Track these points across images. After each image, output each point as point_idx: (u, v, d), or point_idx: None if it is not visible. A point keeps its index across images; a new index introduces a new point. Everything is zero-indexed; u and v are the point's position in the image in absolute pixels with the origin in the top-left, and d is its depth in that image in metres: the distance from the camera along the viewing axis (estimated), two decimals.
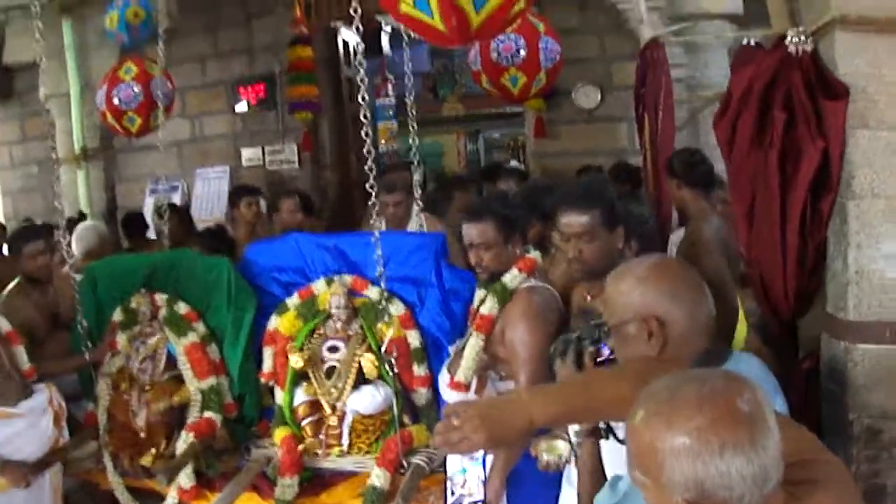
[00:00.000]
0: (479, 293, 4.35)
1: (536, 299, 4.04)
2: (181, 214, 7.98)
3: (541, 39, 6.84)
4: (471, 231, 4.19)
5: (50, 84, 8.56)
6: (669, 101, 6.55)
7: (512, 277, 4.11)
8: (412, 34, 5.18)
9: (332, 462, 4.66)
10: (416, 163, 5.59)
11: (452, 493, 2.27)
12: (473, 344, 4.12)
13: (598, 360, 2.68)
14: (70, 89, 8.54)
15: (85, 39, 8.91)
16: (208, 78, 10.81)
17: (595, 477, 2.64)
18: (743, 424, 1.68)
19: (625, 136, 9.20)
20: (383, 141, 15.18)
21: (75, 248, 6.21)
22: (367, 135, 4.57)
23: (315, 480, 4.65)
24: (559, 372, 2.86)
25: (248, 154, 10.78)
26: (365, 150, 4.58)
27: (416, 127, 5.48)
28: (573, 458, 3.33)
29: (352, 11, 4.20)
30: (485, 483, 2.22)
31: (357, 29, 4.34)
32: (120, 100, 7.34)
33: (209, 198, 10.42)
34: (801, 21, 3.30)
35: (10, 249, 5.83)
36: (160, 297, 5.25)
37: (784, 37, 3.20)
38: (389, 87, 15.72)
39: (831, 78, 3.11)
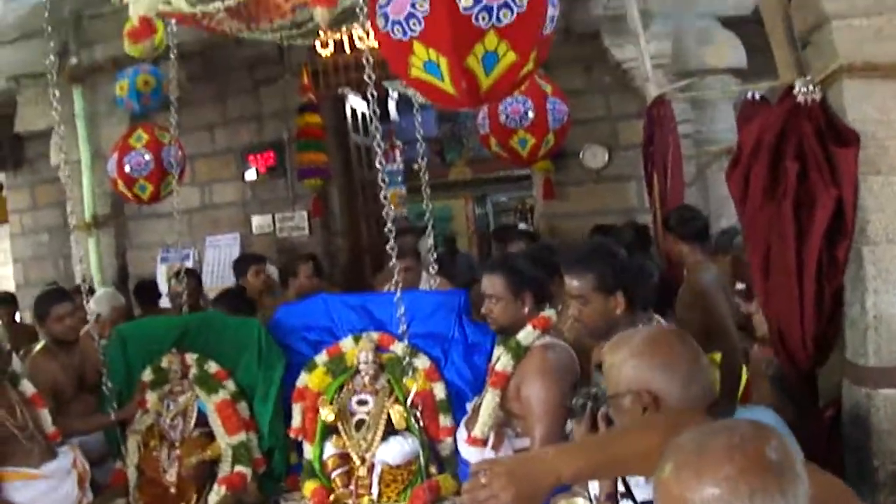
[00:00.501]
0: (497, 350, 4.37)
1: (551, 356, 4.05)
2: (197, 279, 7.97)
3: (548, 101, 6.89)
4: (484, 282, 4.28)
5: (61, 152, 8.68)
6: (678, 157, 6.57)
7: (526, 334, 4.13)
8: (421, 100, 5.26)
9: None
10: (429, 227, 5.62)
11: None
12: (489, 400, 4.12)
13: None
14: (81, 157, 8.58)
15: (95, 107, 8.98)
16: (217, 146, 10.88)
17: None
18: (772, 472, 1.67)
19: (634, 195, 9.20)
20: (392, 206, 15.24)
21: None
22: (385, 198, 4.63)
23: None
24: (574, 431, 2.84)
25: (259, 221, 10.80)
26: (384, 213, 4.65)
27: (429, 192, 5.55)
28: None
29: (366, 77, 4.25)
30: None
31: (371, 95, 4.39)
32: (131, 167, 7.38)
33: (220, 265, 10.43)
34: (807, 71, 3.31)
35: (36, 312, 5.84)
36: (190, 357, 5.39)
37: (792, 87, 3.21)
38: (397, 153, 15.84)
39: (841, 125, 3.11)
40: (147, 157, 7.36)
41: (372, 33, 9.01)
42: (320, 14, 3.72)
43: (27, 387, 5.03)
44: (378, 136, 4.71)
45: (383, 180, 4.74)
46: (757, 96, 7.30)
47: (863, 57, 3.11)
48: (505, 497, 2.12)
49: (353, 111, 11.32)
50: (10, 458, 4.65)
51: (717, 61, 7.81)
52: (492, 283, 4.23)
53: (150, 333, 5.61)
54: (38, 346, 5.81)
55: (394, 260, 4.71)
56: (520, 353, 4.11)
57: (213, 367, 5.34)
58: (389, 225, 4.69)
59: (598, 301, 3.68)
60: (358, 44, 9.93)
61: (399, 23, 3.78)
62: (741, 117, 7.47)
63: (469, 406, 4.55)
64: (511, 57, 3.81)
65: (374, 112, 4.49)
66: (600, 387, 2.71)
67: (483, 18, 3.67)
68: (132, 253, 10.68)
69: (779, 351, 3.34)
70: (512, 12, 3.70)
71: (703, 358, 2.53)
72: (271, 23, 6.41)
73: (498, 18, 3.69)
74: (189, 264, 10.36)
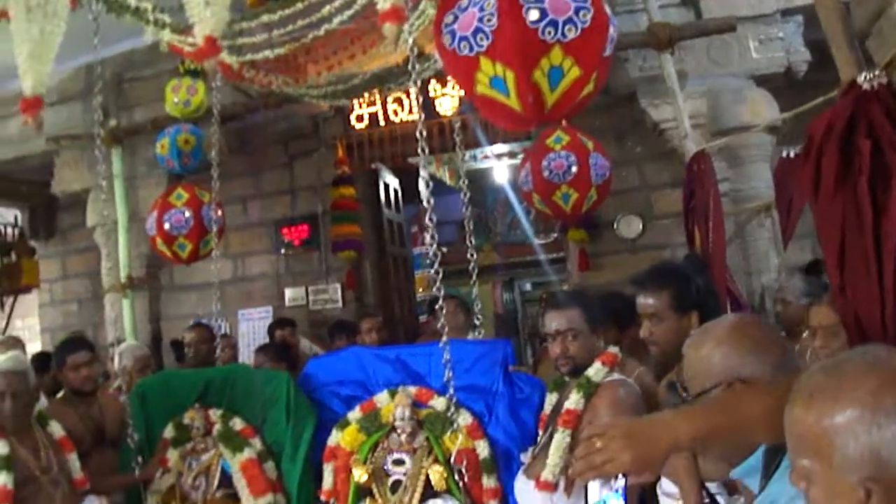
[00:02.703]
0: (550, 398, 4.26)
1: (622, 392, 3.90)
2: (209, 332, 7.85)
3: (591, 156, 6.88)
4: (558, 319, 4.09)
5: (98, 213, 8.71)
6: (719, 211, 6.53)
7: (596, 371, 3.99)
8: (449, 181, 5.22)
9: None
10: (474, 290, 5.44)
11: None
12: (559, 440, 3.92)
13: None
14: (118, 218, 8.58)
15: (134, 169, 9.06)
16: (251, 218, 10.99)
17: None
18: None
19: None
20: (421, 290, 15.17)
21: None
22: (430, 220, 4.53)
23: None
24: None
25: (292, 294, 10.81)
26: (432, 249, 4.56)
27: (474, 255, 5.36)
28: None
29: (419, 150, 4.29)
30: None
31: (424, 164, 4.36)
32: (171, 225, 7.34)
33: (254, 339, 10.35)
34: (868, 67, 3.29)
35: (55, 360, 5.74)
36: (214, 413, 5.23)
37: (854, 81, 3.19)
38: (427, 235, 15.77)
39: None
40: (187, 214, 7.32)
41: (407, 106, 9.22)
42: (388, 29, 3.75)
43: (56, 428, 4.94)
44: (431, 202, 4.59)
45: (436, 253, 4.62)
46: (792, 155, 7.36)
47: None
48: (623, 459, 2.03)
49: (386, 186, 11.41)
50: (31, 501, 4.55)
51: (752, 119, 7.84)
52: (568, 317, 4.06)
53: (171, 388, 5.47)
54: (58, 396, 5.76)
55: (441, 296, 4.53)
56: (590, 389, 3.95)
57: (238, 423, 5.19)
58: (434, 249, 4.59)
59: (672, 320, 3.61)
60: (392, 117, 10.11)
61: (466, 38, 3.81)
62: (778, 174, 7.54)
63: (525, 456, 4.35)
64: (575, 72, 3.83)
65: (427, 185, 4.41)
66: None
67: (549, 33, 3.70)
68: (164, 324, 10.68)
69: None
70: (576, 28, 3.73)
71: (790, 346, 2.47)
72: (318, 75, 6.47)
73: (563, 34, 3.72)
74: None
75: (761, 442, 2.18)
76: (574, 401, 3.95)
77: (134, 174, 9.08)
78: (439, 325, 4.55)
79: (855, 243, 3.09)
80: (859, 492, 1.55)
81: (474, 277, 5.35)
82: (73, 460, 4.89)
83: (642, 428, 2.16)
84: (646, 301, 3.67)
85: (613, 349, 4.10)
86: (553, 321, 4.10)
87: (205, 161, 7.43)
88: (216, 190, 6.50)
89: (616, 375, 4.00)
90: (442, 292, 4.54)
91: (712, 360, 2.38)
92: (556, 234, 15.01)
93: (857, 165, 3.03)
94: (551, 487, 3.87)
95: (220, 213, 7.06)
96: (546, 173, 6.78)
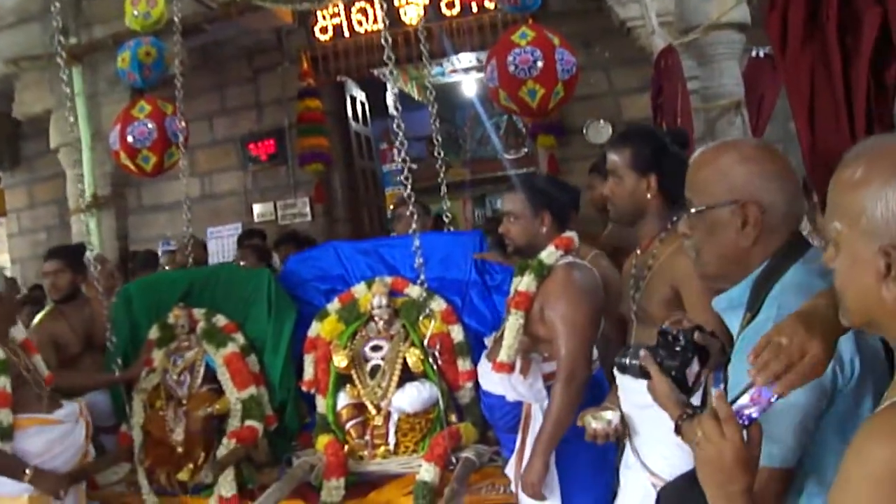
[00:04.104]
0: (515, 282, 4.23)
1: (576, 274, 3.87)
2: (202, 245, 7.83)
3: (556, 51, 6.80)
4: (504, 201, 4.17)
5: (61, 133, 8.58)
6: (687, 106, 6.49)
7: (549, 254, 3.95)
8: (417, 96, 5.17)
9: (378, 465, 4.59)
10: (443, 188, 5.57)
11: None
12: (513, 323, 3.91)
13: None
14: (81, 137, 8.46)
15: (95, 87, 8.94)
16: (217, 135, 10.91)
17: None
18: None
19: None
20: (391, 206, 15.02)
21: None
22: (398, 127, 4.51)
23: (361, 484, 4.54)
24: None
25: (260, 210, 10.81)
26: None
27: (442, 155, 5.52)
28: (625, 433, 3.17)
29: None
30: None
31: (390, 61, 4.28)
32: (134, 137, 7.25)
33: (223, 257, 10.28)
34: None
35: None
36: (198, 311, 5.27)
37: None
38: (395, 152, 15.62)
39: None
40: (150, 126, 7.23)
41: (371, 16, 9.04)
42: None
43: (17, 333, 4.85)
44: (398, 121, 4.65)
45: (402, 142, 5.02)
46: (761, 54, 7.29)
47: None
48: (821, 355, 1.88)
49: (353, 99, 11.30)
50: (24, 405, 4.51)
51: (720, 16, 7.76)
52: (511, 201, 4.07)
53: (156, 290, 5.51)
54: (48, 308, 5.85)
55: (408, 189, 4.72)
56: (542, 272, 3.92)
57: (221, 320, 5.22)
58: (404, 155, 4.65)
59: (630, 178, 3.46)
60: (357, 28, 9.99)
61: None
62: (747, 73, 7.49)
63: (488, 340, 4.40)
64: None
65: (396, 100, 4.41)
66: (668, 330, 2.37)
67: None
68: (132, 246, 10.54)
69: None
70: None
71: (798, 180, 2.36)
72: None
73: None
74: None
75: None
76: (526, 283, 3.95)
77: (96, 92, 8.97)
78: (408, 213, 4.89)
79: (825, 96, 3.04)
80: (879, 262, 1.56)
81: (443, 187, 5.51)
82: (39, 362, 4.85)
83: (813, 313, 1.97)
84: (610, 157, 3.54)
85: (569, 234, 4.05)
86: (503, 204, 4.21)
87: (166, 73, 7.33)
88: (180, 101, 6.40)
89: (570, 258, 3.99)
90: (409, 187, 4.90)
91: (732, 174, 2.24)
92: (526, 150, 14.90)
93: (824, 13, 2.97)
94: (508, 368, 3.87)
95: (183, 124, 6.96)
96: (511, 68, 6.70)
